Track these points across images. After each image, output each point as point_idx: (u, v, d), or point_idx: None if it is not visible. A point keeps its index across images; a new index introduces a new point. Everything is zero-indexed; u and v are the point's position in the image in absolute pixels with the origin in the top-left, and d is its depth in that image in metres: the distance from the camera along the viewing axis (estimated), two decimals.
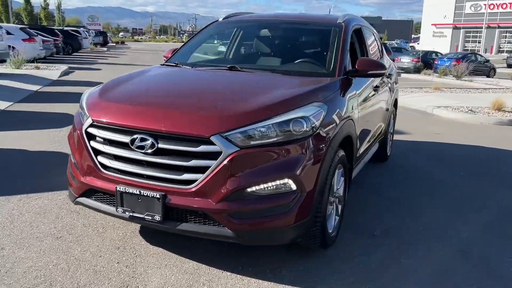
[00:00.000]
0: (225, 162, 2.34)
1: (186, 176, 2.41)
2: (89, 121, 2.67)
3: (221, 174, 2.35)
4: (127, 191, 2.49)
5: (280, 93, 2.76)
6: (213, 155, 2.36)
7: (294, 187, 2.46)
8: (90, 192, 2.72)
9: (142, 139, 2.46)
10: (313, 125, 2.56)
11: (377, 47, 4.93)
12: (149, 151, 2.44)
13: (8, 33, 15.18)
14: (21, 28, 17.55)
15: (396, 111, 5.71)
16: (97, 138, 2.65)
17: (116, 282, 2.52)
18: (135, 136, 2.48)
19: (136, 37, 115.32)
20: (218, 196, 2.36)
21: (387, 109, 4.85)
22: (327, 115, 2.71)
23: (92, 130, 2.66)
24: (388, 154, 5.38)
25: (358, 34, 4.24)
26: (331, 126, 2.73)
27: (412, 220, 3.63)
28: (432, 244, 3.21)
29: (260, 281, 2.60)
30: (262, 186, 2.39)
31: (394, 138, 5.82)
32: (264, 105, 2.57)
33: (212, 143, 2.35)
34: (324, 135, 2.64)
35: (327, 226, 2.88)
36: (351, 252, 3.02)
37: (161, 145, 2.43)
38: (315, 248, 2.95)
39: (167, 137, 2.44)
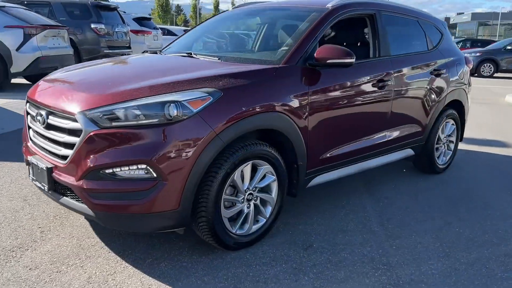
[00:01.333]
0: (85, 140, 2.36)
1: (63, 152, 2.51)
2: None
3: (82, 152, 2.38)
4: (32, 161, 2.72)
5: (174, 77, 2.63)
6: (79, 133, 2.41)
7: (153, 173, 2.33)
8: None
9: (40, 114, 2.65)
10: (187, 110, 2.37)
11: (418, 38, 4.19)
12: (43, 125, 2.62)
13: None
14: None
15: (464, 116, 4.74)
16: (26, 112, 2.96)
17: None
18: (37, 111, 2.70)
19: None
20: (78, 173, 2.40)
21: (429, 111, 4.08)
22: (218, 103, 2.47)
23: (27, 105, 2.97)
24: (442, 165, 4.50)
25: (370, 21, 3.68)
26: (224, 115, 2.48)
27: None
28: None
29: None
30: (119, 168, 2.33)
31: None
32: (139, 87, 2.49)
33: (76, 121, 2.40)
34: (207, 123, 2.41)
35: (226, 224, 2.64)
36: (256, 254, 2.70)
37: (49, 120, 2.59)
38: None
39: (53, 113, 2.58)
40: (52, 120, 2.57)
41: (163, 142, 2.33)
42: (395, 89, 3.67)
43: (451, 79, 4.34)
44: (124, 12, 14.90)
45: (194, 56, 3.33)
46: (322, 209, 3.48)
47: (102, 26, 10.87)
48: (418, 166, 4.53)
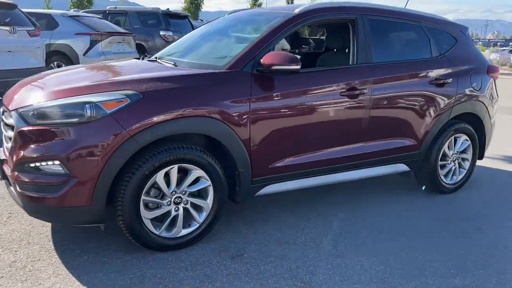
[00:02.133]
0: (16, 135, 2.59)
1: (8, 145, 2.77)
2: None
3: (15, 146, 2.61)
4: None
5: (106, 80, 2.76)
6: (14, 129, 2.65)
7: (65, 169, 2.48)
8: None
9: (2, 112, 2.96)
10: (101, 112, 2.48)
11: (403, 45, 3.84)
12: (2, 122, 2.93)
13: None
14: None
15: (483, 132, 4.24)
16: None
17: None
18: (1, 110, 3.01)
19: None
20: (12, 165, 2.63)
21: (426, 124, 3.73)
22: (135, 105, 2.55)
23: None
24: (450, 184, 4.08)
25: (351, 27, 3.48)
26: (140, 118, 2.55)
27: None
28: None
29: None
30: (40, 163, 2.52)
31: None
32: (69, 88, 2.66)
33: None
34: (120, 124, 2.50)
35: (148, 225, 2.70)
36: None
37: (3, 118, 2.88)
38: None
39: (5, 111, 2.87)
40: (5, 117, 2.86)
41: (75, 140, 2.47)
42: (375, 98, 3.43)
43: (460, 90, 3.91)
44: (202, 20, 15.63)
45: (158, 61, 3.44)
46: (282, 220, 3.37)
47: (170, 33, 11.53)
48: (421, 184, 4.15)
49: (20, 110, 2.60)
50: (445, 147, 3.98)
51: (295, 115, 3.10)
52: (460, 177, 4.17)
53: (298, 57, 3.07)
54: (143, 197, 2.64)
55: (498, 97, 4.45)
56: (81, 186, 2.49)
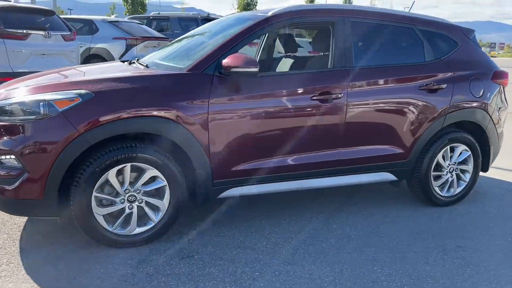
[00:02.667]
0: None
1: None
2: None
3: None
4: None
5: (67, 79, 2.89)
6: None
7: (18, 164, 2.62)
8: None
9: None
10: (53, 109, 2.61)
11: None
12: None
13: None
14: None
15: (487, 142, 3.95)
16: None
17: None
18: None
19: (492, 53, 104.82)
20: None
21: (414, 132, 3.55)
22: (86, 104, 2.65)
23: None
24: (446, 196, 3.85)
25: (331, 29, 3.39)
26: (91, 116, 2.64)
27: None
28: None
29: None
30: (3, 156, 2.68)
31: None
32: (35, 86, 2.81)
33: None
34: (70, 122, 2.61)
35: (100, 221, 2.78)
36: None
37: None
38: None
39: None
40: None
41: (28, 136, 2.61)
42: (352, 103, 3.31)
43: (456, 96, 3.67)
44: None
45: (135, 63, 3.53)
46: (251, 224, 3.34)
47: None
48: (414, 195, 3.94)
49: None
50: (439, 157, 3.75)
51: (259, 119, 3.06)
52: (458, 189, 3.91)
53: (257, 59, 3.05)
54: (94, 193, 2.73)
55: (507, 104, 4.12)
56: (33, 180, 2.62)
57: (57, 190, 2.66)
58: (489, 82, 3.87)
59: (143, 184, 2.86)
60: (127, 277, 2.56)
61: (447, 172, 3.83)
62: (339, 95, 3.25)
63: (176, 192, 2.92)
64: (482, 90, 3.81)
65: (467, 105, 3.75)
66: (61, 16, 8.61)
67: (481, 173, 4.02)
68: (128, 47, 9.38)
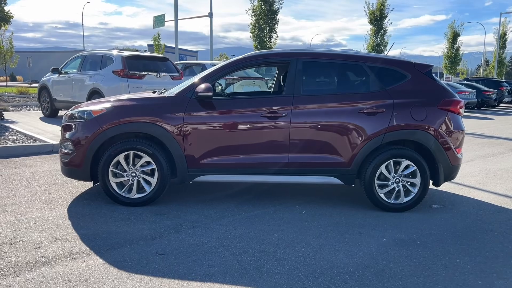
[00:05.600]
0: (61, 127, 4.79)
1: None
2: None
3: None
4: None
5: (109, 99, 4.75)
6: None
7: (72, 147, 4.52)
8: None
9: None
10: (90, 116, 4.46)
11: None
12: None
13: None
14: None
15: (435, 160, 4.61)
16: None
17: None
18: None
19: None
20: None
21: (353, 146, 4.53)
22: (109, 113, 4.44)
23: None
24: (393, 203, 4.61)
25: (287, 67, 4.68)
26: (109, 120, 4.41)
27: None
28: None
29: None
30: (64, 143, 4.63)
31: None
32: (85, 103, 4.75)
33: None
34: (98, 123, 4.41)
35: (114, 186, 4.48)
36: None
37: None
38: None
39: None
40: None
41: (77, 131, 4.50)
42: (295, 120, 4.48)
43: (395, 120, 4.51)
44: None
45: (158, 92, 5.25)
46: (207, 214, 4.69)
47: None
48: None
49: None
50: (383, 168, 4.57)
51: (218, 127, 4.48)
52: (406, 199, 4.62)
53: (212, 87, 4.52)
54: (111, 168, 4.45)
55: (462, 128, 4.71)
56: (77, 156, 4.48)
57: (90, 164, 4.46)
58: (434, 108, 4.59)
59: (141, 166, 4.49)
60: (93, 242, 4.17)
61: (392, 182, 4.61)
62: (283, 114, 4.47)
63: (162, 172, 4.46)
64: (425, 115, 4.54)
65: (407, 127, 4.54)
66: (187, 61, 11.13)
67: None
68: (227, 85, 11.47)
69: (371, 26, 36.99)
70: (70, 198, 4.75)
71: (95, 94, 9.58)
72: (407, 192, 4.62)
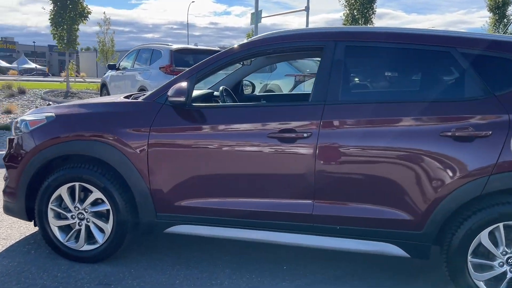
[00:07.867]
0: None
1: None
2: None
3: None
4: None
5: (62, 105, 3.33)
6: None
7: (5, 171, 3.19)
8: None
9: None
10: (26, 128, 3.07)
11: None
12: None
13: None
14: None
15: None
16: None
17: None
18: None
19: None
20: None
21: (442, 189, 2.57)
22: (48, 125, 3.01)
23: None
24: None
25: (321, 57, 2.85)
26: (47, 136, 2.98)
27: None
28: None
29: None
30: None
31: None
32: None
33: None
34: (33, 140, 3.01)
35: (55, 231, 3.05)
36: None
37: None
38: None
39: None
40: None
41: (11, 148, 3.15)
42: (325, 144, 2.65)
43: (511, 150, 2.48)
44: None
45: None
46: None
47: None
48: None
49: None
50: (484, 237, 2.56)
51: (202, 153, 2.81)
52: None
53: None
54: (50, 205, 3.03)
55: None
56: (10, 183, 3.12)
57: (24, 197, 3.07)
58: None
59: (91, 205, 3.00)
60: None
61: (502, 262, 2.57)
62: (304, 135, 2.66)
63: (120, 217, 2.91)
64: None
65: None
66: None
67: None
68: (297, 83, 9.70)
69: (490, 14, 30.95)
70: (17, 237, 3.45)
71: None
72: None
